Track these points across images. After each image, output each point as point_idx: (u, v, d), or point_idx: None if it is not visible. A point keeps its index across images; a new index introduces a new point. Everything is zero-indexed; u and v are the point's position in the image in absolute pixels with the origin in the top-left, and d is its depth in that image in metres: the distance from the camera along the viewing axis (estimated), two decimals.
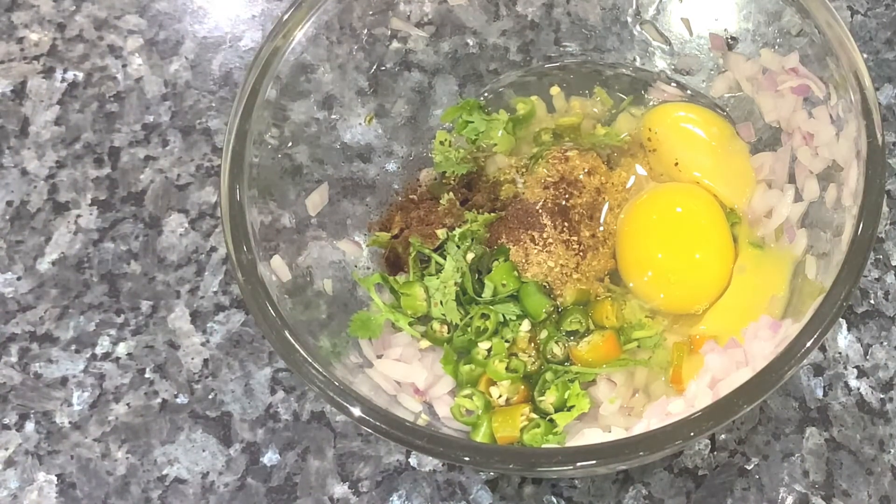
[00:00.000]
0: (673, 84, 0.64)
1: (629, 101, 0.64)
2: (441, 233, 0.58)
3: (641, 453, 0.42)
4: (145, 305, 0.64)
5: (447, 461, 0.55)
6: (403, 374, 0.54)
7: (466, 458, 0.42)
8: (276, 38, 0.54)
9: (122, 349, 0.63)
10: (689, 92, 0.64)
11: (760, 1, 0.58)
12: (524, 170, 0.62)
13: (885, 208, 0.64)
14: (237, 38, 0.73)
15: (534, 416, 0.54)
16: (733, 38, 0.61)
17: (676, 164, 0.60)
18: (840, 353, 0.61)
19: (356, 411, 0.45)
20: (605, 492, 0.58)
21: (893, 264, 0.64)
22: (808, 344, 0.44)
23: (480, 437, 0.53)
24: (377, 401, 0.47)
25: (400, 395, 0.53)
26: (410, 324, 0.56)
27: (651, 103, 0.64)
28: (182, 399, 0.61)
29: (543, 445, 0.52)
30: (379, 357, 0.55)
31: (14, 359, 0.62)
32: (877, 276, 0.63)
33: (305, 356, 0.46)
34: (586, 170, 0.60)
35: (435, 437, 0.44)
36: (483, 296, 0.57)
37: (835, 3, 0.53)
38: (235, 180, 0.51)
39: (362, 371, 0.53)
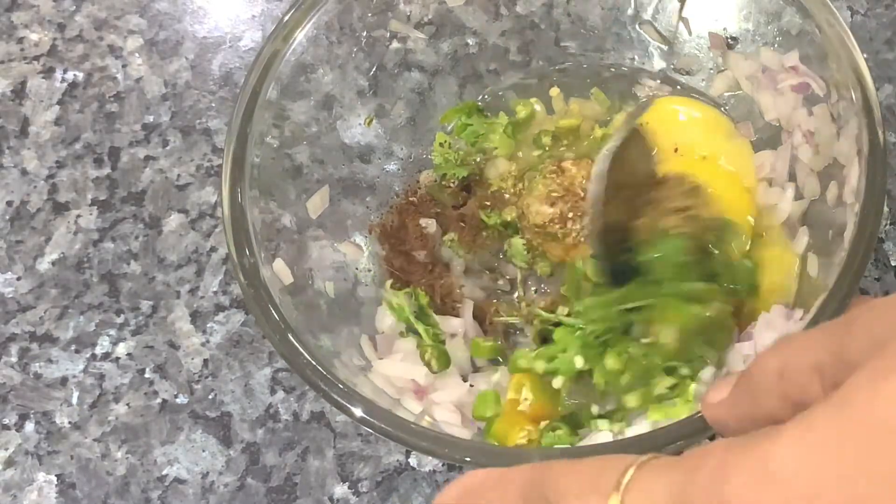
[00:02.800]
0: (667, 83, 0.64)
1: (621, 100, 0.64)
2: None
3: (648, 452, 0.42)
4: (145, 305, 0.64)
5: (452, 462, 0.55)
6: (404, 370, 0.54)
7: (468, 459, 0.42)
8: (277, 38, 0.54)
9: (122, 349, 0.63)
10: (680, 88, 0.64)
11: (760, 1, 0.58)
12: (522, 190, 0.61)
13: (885, 208, 0.64)
14: (237, 38, 0.73)
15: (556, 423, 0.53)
16: (733, 38, 0.61)
17: (676, 150, 0.60)
18: None
19: (359, 413, 0.45)
20: None
21: (893, 264, 0.63)
22: None
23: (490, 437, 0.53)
24: (380, 404, 0.46)
25: (403, 398, 0.53)
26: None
27: (643, 100, 0.64)
28: (182, 399, 0.61)
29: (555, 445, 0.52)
30: (381, 360, 0.55)
31: (14, 359, 0.62)
32: (877, 276, 0.63)
33: (310, 359, 0.46)
34: (584, 178, 0.60)
35: (440, 438, 0.44)
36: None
37: (835, 3, 0.53)
38: (237, 183, 0.51)
39: (364, 373, 0.53)
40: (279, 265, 0.52)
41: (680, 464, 0.29)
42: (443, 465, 0.58)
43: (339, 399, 0.45)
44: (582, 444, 0.51)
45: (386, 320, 0.57)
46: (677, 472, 0.29)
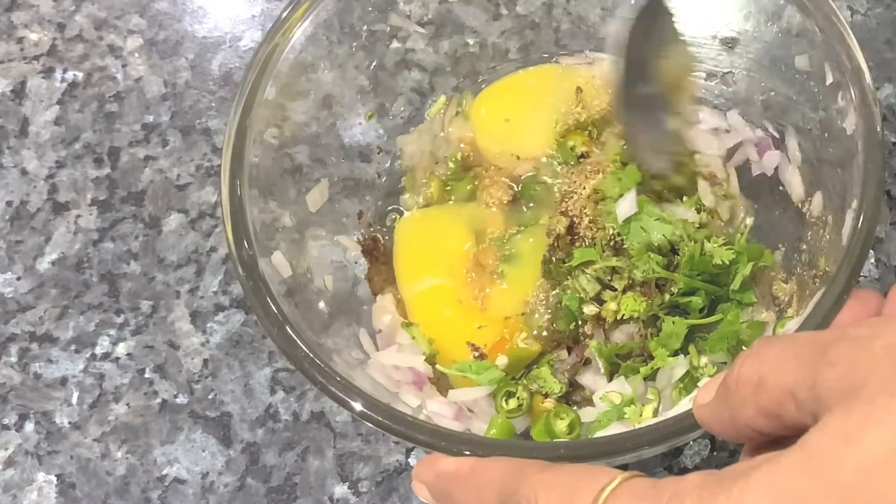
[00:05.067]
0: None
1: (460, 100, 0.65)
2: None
3: (646, 447, 0.42)
4: (145, 305, 0.64)
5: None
6: (403, 359, 0.54)
7: (467, 452, 0.42)
8: (275, 36, 0.54)
9: (121, 349, 0.63)
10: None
11: (760, 1, 0.58)
12: None
13: (884, 208, 0.64)
14: (237, 38, 0.73)
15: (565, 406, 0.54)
16: (733, 39, 0.61)
17: (507, 120, 0.61)
18: None
19: (357, 406, 0.45)
20: None
21: (893, 264, 0.63)
22: None
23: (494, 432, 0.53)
24: (378, 397, 0.47)
25: (400, 391, 0.53)
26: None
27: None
28: (182, 399, 0.61)
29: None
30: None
31: (14, 359, 0.62)
32: (877, 277, 0.63)
33: (307, 352, 0.46)
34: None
35: (437, 431, 0.44)
36: None
37: (834, 2, 0.53)
38: (236, 177, 0.51)
39: (362, 367, 0.53)
40: (278, 258, 0.52)
41: (657, 498, 0.30)
42: None
43: (337, 392, 0.45)
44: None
45: (384, 318, 0.57)
46: None
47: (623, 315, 0.54)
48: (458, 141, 0.63)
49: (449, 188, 0.62)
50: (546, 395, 0.55)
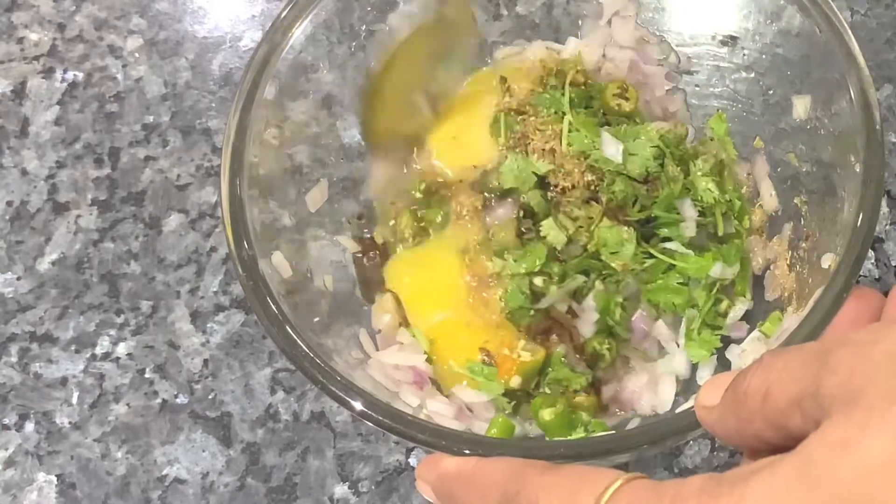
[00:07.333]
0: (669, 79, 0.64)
1: None
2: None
3: (645, 446, 0.42)
4: (145, 305, 0.64)
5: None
6: (403, 358, 0.54)
7: (467, 452, 0.42)
8: (275, 35, 0.54)
9: (122, 349, 0.63)
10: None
11: (760, 1, 0.58)
12: None
13: (884, 208, 0.64)
14: (237, 38, 0.73)
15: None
16: (733, 38, 0.61)
17: (454, 138, 0.61)
18: None
19: (358, 405, 0.45)
20: None
21: (893, 264, 0.63)
22: (806, 336, 0.44)
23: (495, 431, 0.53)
24: (378, 397, 0.47)
25: (401, 391, 0.53)
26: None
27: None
28: (182, 399, 0.61)
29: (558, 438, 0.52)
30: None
31: (14, 359, 0.62)
32: (877, 277, 0.63)
33: (307, 351, 0.46)
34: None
35: (438, 430, 0.44)
36: None
37: (835, 3, 0.53)
38: (236, 177, 0.51)
39: (363, 367, 0.53)
40: (278, 258, 0.52)
41: (657, 500, 0.30)
42: None
43: (337, 392, 0.45)
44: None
45: (384, 318, 0.57)
46: None
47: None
48: (421, 173, 0.61)
49: (420, 218, 0.60)
50: (576, 392, 0.54)
